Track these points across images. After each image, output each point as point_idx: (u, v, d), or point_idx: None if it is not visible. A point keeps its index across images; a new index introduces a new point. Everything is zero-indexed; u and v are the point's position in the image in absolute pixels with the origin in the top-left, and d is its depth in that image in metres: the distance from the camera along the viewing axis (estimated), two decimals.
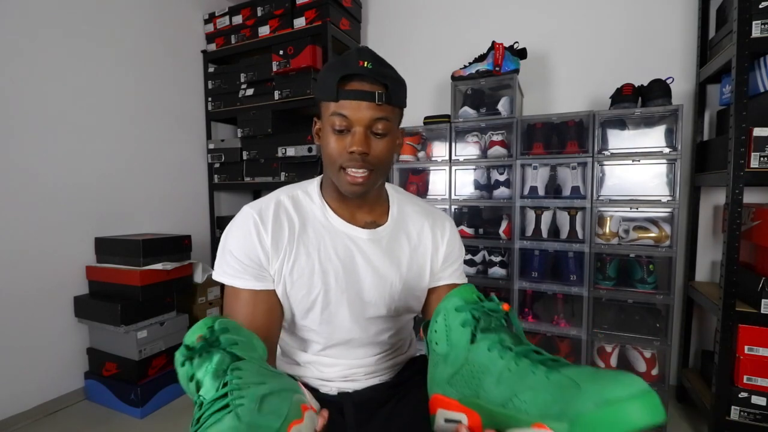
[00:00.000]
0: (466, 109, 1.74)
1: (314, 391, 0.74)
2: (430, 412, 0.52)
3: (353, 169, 0.65)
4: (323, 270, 0.70)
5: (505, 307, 0.52)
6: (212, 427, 0.38)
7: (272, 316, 0.68)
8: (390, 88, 0.63)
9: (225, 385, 0.43)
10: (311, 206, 0.73)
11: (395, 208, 0.78)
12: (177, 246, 1.82)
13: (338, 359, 0.75)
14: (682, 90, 1.67)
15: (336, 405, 0.71)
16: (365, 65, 0.62)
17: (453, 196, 1.78)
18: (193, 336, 0.49)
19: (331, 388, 0.74)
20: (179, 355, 0.47)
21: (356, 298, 0.72)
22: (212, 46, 2.28)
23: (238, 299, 0.67)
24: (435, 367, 0.53)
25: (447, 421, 0.48)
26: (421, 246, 0.77)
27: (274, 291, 0.69)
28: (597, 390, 0.36)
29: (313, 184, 0.77)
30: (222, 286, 0.69)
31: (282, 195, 0.73)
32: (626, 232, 1.52)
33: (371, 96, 0.62)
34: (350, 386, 0.75)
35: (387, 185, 0.80)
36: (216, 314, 0.51)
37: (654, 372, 1.48)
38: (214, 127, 2.36)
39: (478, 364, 0.46)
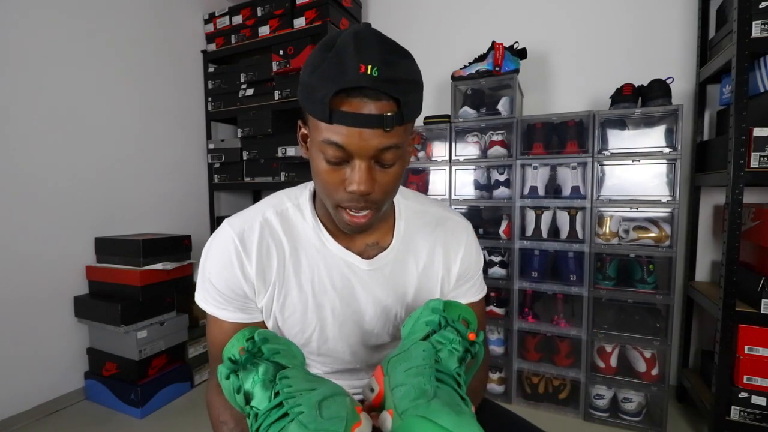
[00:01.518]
0: (466, 109, 1.74)
1: None
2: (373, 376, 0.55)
3: (353, 211, 0.53)
4: (318, 304, 0.61)
5: (471, 336, 0.51)
6: None
7: None
8: (403, 102, 0.46)
9: (277, 394, 0.43)
10: (303, 226, 0.62)
11: (402, 224, 0.65)
12: (177, 246, 1.82)
13: (342, 381, 0.71)
14: (682, 90, 1.67)
15: None
16: (369, 72, 0.44)
17: (453, 196, 1.78)
18: (233, 349, 0.48)
19: None
20: (224, 369, 0.46)
21: (356, 330, 0.65)
22: (212, 46, 2.28)
23: (222, 330, 0.60)
24: (394, 346, 0.59)
25: (369, 389, 0.53)
26: (430, 268, 0.66)
27: (262, 323, 0.62)
28: (435, 410, 0.41)
29: (305, 196, 0.64)
30: None
31: (269, 211, 0.62)
32: (626, 232, 1.52)
33: (377, 121, 0.46)
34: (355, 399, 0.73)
35: None
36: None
37: (654, 372, 1.48)
38: (214, 127, 2.36)
39: (409, 355, 0.50)
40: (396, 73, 0.46)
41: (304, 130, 0.56)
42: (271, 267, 0.59)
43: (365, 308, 0.64)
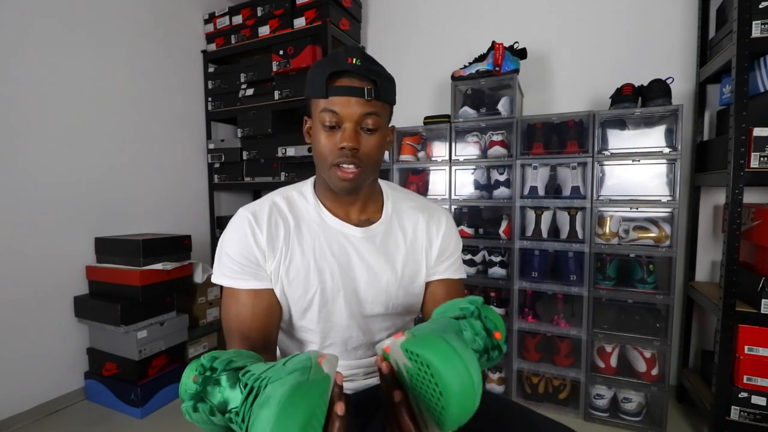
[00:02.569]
0: (466, 109, 1.74)
1: None
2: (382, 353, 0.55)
3: (344, 165, 0.65)
4: (319, 268, 0.70)
5: (497, 335, 0.51)
6: (260, 413, 0.37)
7: (271, 316, 0.68)
8: (379, 84, 0.64)
9: (246, 385, 0.43)
10: (305, 206, 0.74)
11: (389, 205, 0.77)
12: (177, 246, 1.82)
13: (341, 361, 0.74)
14: (682, 90, 1.67)
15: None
16: (354, 62, 0.62)
17: (453, 196, 1.78)
18: (188, 382, 0.47)
19: None
20: (187, 407, 0.45)
21: (352, 296, 0.72)
22: (212, 46, 2.28)
23: (238, 301, 0.67)
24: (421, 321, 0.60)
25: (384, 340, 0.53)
26: (416, 242, 0.76)
27: (272, 290, 0.69)
28: (441, 343, 0.42)
29: (307, 185, 0.77)
30: (221, 287, 0.69)
31: (276, 196, 0.74)
32: (626, 232, 1.52)
33: (360, 92, 0.62)
34: (349, 387, 0.75)
35: (381, 182, 0.80)
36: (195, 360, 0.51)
37: (654, 372, 1.48)
38: (214, 127, 2.36)
39: (434, 321, 0.52)
40: (373, 66, 0.66)
41: (309, 124, 0.71)
42: (279, 236, 0.69)
43: (360, 275, 0.72)
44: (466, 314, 0.53)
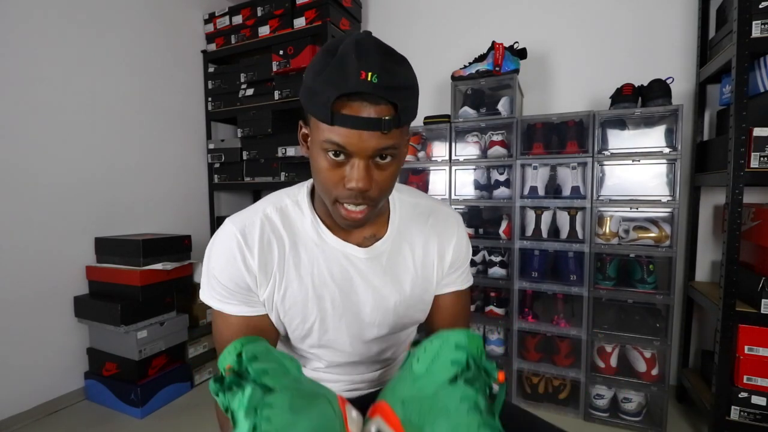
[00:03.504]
0: (466, 109, 1.74)
1: None
2: (369, 414, 0.51)
3: (350, 206, 0.55)
4: (318, 296, 0.63)
5: (501, 376, 0.48)
6: None
7: (265, 339, 0.66)
8: (400, 107, 0.50)
9: (254, 429, 0.41)
10: (302, 221, 0.64)
11: (396, 216, 0.68)
12: (177, 246, 1.82)
13: (341, 376, 0.72)
14: (682, 90, 1.67)
15: None
16: (369, 78, 0.47)
17: (453, 196, 1.78)
18: (223, 363, 0.47)
19: None
20: (213, 385, 0.45)
21: (355, 322, 0.66)
22: (212, 46, 2.28)
23: (228, 324, 0.61)
24: (399, 381, 0.51)
25: (378, 431, 0.48)
26: (426, 257, 0.69)
27: (265, 316, 0.63)
28: None
29: (303, 193, 0.67)
30: None
31: (269, 207, 0.64)
32: (626, 232, 1.52)
33: (376, 124, 0.49)
34: (353, 395, 0.74)
35: None
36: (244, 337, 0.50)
37: (654, 372, 1.48)
38: (214, 127, 2.36)
39: (441, 405, 0.45)
40: (394, 80, 0.49)
41: (305, 130, 0.59)
42: (272, 260, 0.61)
43: (364, 300, 0.65)
44: (462, 368, 0.47)
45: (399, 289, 0.67)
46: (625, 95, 1.49)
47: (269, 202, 0.66)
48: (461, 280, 0.74)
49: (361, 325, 0.66)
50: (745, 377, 1.27)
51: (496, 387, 0.49)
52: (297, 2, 1.98)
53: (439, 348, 0.49)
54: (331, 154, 0.52)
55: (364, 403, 0.73)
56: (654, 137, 1.51)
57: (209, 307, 2.18)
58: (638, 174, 1.53)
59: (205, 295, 0.63)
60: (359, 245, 0.65)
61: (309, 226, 0.64)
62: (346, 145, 0.50)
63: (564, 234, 1.59)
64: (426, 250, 0.69)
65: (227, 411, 0.44)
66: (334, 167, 0.53)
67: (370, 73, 0.47)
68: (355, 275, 0.65)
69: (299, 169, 2.02)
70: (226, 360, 0.46)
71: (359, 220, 0.56)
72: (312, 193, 0.67)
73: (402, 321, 0.69)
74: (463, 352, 0.48)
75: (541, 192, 1.62)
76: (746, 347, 1.26)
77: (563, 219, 1.59)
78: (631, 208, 1.50)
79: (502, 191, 1.68)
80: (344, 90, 0.47)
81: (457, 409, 0.43)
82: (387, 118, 0.49)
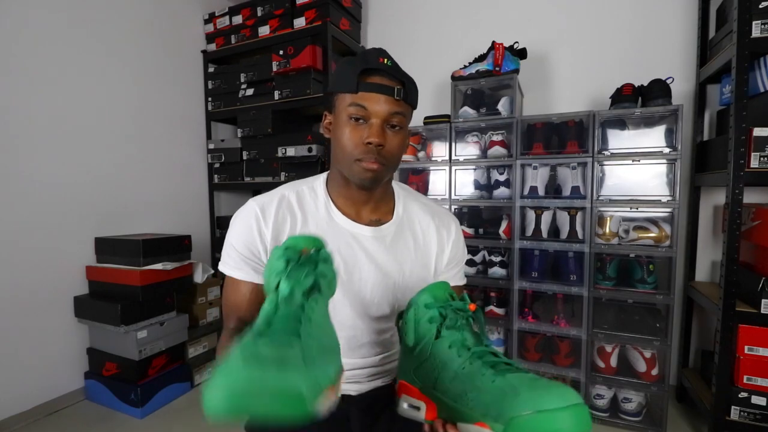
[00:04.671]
0: (466, 109, 1.74)
1: None
2: (397, 395, 0.57)
3: (367, 162, 0.65)
4: None
5: (472, 307, 0.55)
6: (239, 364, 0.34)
7: None
8: (407, 86, 0.66)
9: (302, 308, 0.43)
10: (315, 202, 0.73)
11: (401, 207, 0.77)
12: (177, 246, 1.82)
13: (346, 360, 0.73)
14: (682, 90, 1.67)
15: (340, 409, 0.70)
16: (385, 62, 0.65)
17: (453, 196, 1.78)
18: (302, 244, 0.49)
19: None
20: (280, 252, 0.48)
21: (358, 297, 0.71)
22: (212, 46, 2.28)
23: (237, 290, 0.68)
24: (404, 356, 0.58)
25: (410, 406, 0.54)
26: (426, 246, 0.76)
27: None
28: (533, 398, 0.40)
29: (318, 180, 0.77)
30: (222, 281, 0.71)
31: (287, 190, 0.74)
32: (626, 232, 1.52)
33: (390, 90, 0.64)
34: (353, 388, 0.74)
35: (393, 183, 0.80)
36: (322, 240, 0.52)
37: (654, 372, 1.48)
38: (214, 127, 2.36)
39: (439, 359, 0.51)
40: (401, 69, 0.68)
41: (329, 119, 0.73)
42: (284, 232, 0.69)
43: (367, 276, 0.71)
44: (439, 322, 0.53)
45: (399, 269, 0.73)
46: (625, 95, 1.49)
47: (287, 186, 0.75)
48: (458, 277, 0.81)
49: (363, 302, 0.72)
50: (745, 377, 1.27)
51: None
52: (297, 2, 1.98)
53: (414, 315, 0.56)
54: (353, 119, 0.65)
55: (366, 400, 0.73)
56: (654, 137, 1.51)
57: (209, 307, 2.16)
58: (638, 174, 1.53)
59: (222, 264, 0.70)
60: (366, 225, 0.73)
61: (322, 207, 0.73)
62: (368, 106, 0.64)
63: (564, 234, 1.59)
64: (426, 239, 0.77)
65: (275, 274, 0.46)
66: (356, 130, 0.65)
67: (386, 59, 0.66)
68: (360, 252, 0.71)
69: (299, 169, 2.02)
70: (306, 243, 0.50)
71: (375, 172, 0.66)
72: (326, 183, 0.76)
73: (401, 301, 0.73)
74: (434, 308, 0.54)
75: (541, 192, 1.62)
76: (746, 347, 1.26)
77: (563, 219, 1.59)
78: (631, 208, 1.50)
79: (502, 191, 1.68)
80: (368, 65, 0.64)
81: (450, 357, 0.50)
82: (398, 88, 0.65)
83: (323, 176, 0.78)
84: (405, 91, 0.66)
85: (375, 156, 0.65)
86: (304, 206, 0.72)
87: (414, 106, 0.71)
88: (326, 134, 0.73)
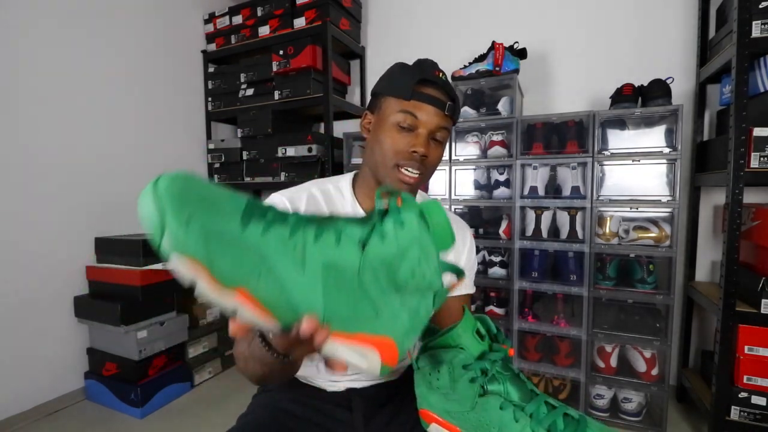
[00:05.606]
0: (466, 109, 1.74)
1: (322, 390, 0.74)
2: (426, 420, 0.58)
3: (409, 169, 0.66)
4: None
5: (511, 352, 0.56)
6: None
7: None
8: (456, 103, 0.68)
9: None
10: (342, 202, 0.73)
11: None
12: None
13: None
14: (682, 90, 1.67)
15: (344, 400, 0.71)
16: (441, 76, 0.67)
17: (453, 196, 1.78)
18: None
19: (338, 387, 0.74)
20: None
21: None
22: (212, 46, 2.28)
23: None
24: (428, 389, 0.58)
25: None
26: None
27: None
28: None
29: (344, 180, 0.76)
30: None
31: (313, 187, 0.74)
32: (626, 232, 1.52)
33: (442, 105, 0.66)
34: (358, 384, 0.75)
35: None
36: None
37: (654, 372, 1.48)
38: (214, 127, 2.36)
39: (489, 419, 0.51)
40: (451, 86, 0.69)
41: (369, 118, 0.73)
42: None
43: None
44: (481, 384, 0.54)
45: None
46: (625, 95, 1.49)
47: (313, 184, 0.75)
48: (469, 286, 0.80)
49: None
50: (745, 377, 1.27)
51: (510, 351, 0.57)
52: (297, 2, 1.98)
53: (449, 374, 0.55)
54: (403, 123, 0.65)
55: (367, 394, 0.73)
56: (654, 137, 1.51)
57: (209, 307, 2.16)
58: (638, 174, 1.53)
59: None
60: None
61: (348, 207, 0.73)
62: (419, 115, 0.65)
63: (564, 234, 1.59)
64: None
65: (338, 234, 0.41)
66: (401, 137, 0.66)
67: (441, 73, 0.68)
68: None
69: (299, 169, 2.02)
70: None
71: (412, 184, 0.67)
72: (353, 183, 0.76)
73: None
74: (473, 370, 0.54)
75: (541, 192, 1.62)
76: (746, 347, 1.26)
77: (563, 219, 1.59)
78: (631, 208, 1.50)
79: (502, 191, 1.68)
80: (424, 76, 0.65)
81: (504, 420, 0.51)
82: (449, 104, 0.67)
83: (349, 176, 0.78)
84: (454, 107, 0.68)
85: (418, 165, 0.66)
86: (332, 205, 0.73)
87: (455, 123, 0.73)
88: (365, 133, 0.73)
